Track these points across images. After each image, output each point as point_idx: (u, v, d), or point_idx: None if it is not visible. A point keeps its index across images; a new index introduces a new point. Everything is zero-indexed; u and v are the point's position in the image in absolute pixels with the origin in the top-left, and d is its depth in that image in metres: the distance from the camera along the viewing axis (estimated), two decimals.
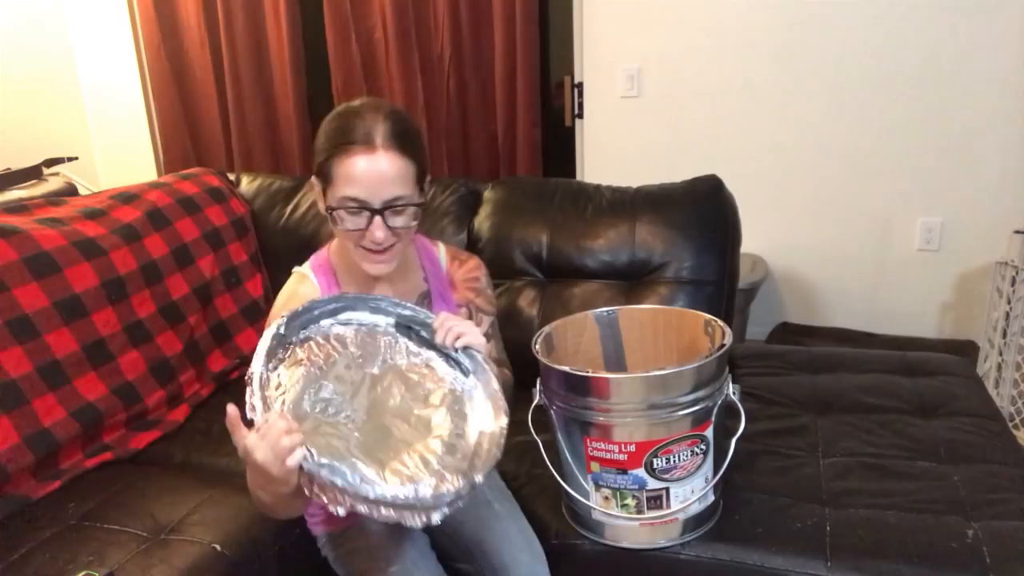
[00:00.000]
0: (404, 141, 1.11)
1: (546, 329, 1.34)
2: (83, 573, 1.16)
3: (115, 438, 1.59)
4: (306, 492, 0.92)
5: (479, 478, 1.00)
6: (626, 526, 1.25)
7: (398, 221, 1.13)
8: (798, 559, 1.19)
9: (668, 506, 1.21)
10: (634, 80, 2.73)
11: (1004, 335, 2.20)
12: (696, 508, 1.24)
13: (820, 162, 2.62)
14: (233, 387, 1.87)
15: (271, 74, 3.13)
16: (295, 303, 1.12)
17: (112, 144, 3.41)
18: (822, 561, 1.18)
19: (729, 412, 1.23)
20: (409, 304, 1.19)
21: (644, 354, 1.42)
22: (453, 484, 0.99)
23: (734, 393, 1.22)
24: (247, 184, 2.18)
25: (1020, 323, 2.15)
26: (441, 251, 1.36)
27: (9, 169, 2.70)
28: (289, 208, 2.10)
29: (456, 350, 1.15)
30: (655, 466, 1.18)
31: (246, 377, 0.96)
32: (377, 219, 1.11)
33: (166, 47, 3.17)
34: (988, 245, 2.45)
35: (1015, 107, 2.37)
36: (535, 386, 1.28)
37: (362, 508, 0.92)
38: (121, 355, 1.63)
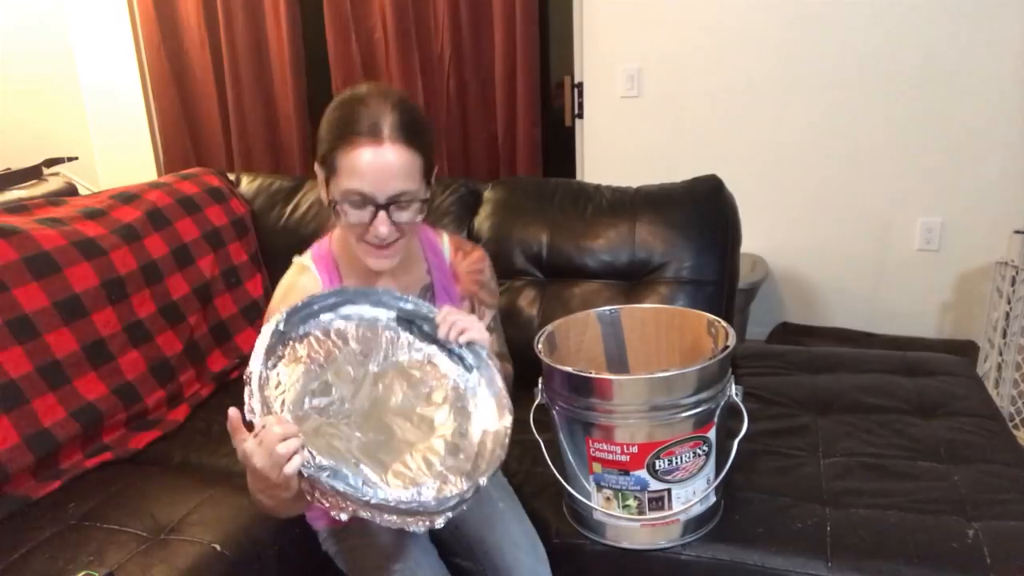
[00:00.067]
0: (412, 133, 1.07)
1: (548, 328, 1.34)
2: (83, 573, 1.16)
3: (115, 438, 1.59)
4: (308, 498, 0.91)
5: (483, 480, 0.99)
6: (627, 527, 1.25)
7: (403, 216, 1.10)
8: (798, 559, 1.19)
9: (670, 507, 1.21)
10: (634, 80, 2.73)
11: (1004, 335, 2.20)
12: (698, 509, 1.23)
13: (820, 162, 2.62)
14: (233, 387, 1.86)
15: (271, 74, 3.12)
16: (294, 295, 1.10)
17: (112, 144, 3.41)
18: (822, 561, 1.18)
19: (731, 413, 1.23)
20: (411, 298, 1.16)
21: (646, 354, 1.42)
22: (456, 487, 0.98)
23: (737, 394, 1.22)
24: (247, 184, 2.18)
25: (1020, 323, 2.15)
26: (445, 242, 1.33)
27: (9, 169, 2.70)
28: (289, 208, 2.10)
29: (459, 345, 1.13)
30: (657, 467, 1.18)
31: (245, 376, 0.94)
32: (381, 214, 1.07)
33: (166, 47, 3.17)
34: (988, 245, 2.45)
35: (1015, 107, 2.38)
36: (536, 385, 1.28)
37: (365, 514, 0.91)
38: (121, 355, 1.63)
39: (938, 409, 1.56)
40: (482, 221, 1.90)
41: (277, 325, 1.01)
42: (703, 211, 1.78)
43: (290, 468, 0.87)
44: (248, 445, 0.89)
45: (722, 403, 1.20)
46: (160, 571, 1.18)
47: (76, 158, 3.00)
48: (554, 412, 1.24)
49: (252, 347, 0.97)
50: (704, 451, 1.20)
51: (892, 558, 1.16)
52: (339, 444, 0.97)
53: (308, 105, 3.10)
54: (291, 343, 1.04)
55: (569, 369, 1.18)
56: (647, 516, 1.22)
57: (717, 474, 1.23)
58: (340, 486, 0.89)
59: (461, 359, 1.14)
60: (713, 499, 1.26)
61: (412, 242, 1.26)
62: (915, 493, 1.30)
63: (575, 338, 1.40)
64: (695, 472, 1.20)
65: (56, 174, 2.85)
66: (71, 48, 3.30)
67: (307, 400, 1.00)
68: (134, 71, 3.28)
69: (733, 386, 1.22)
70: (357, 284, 1.20)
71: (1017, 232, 2.22)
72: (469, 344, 1.13)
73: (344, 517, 0.91)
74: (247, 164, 3.21)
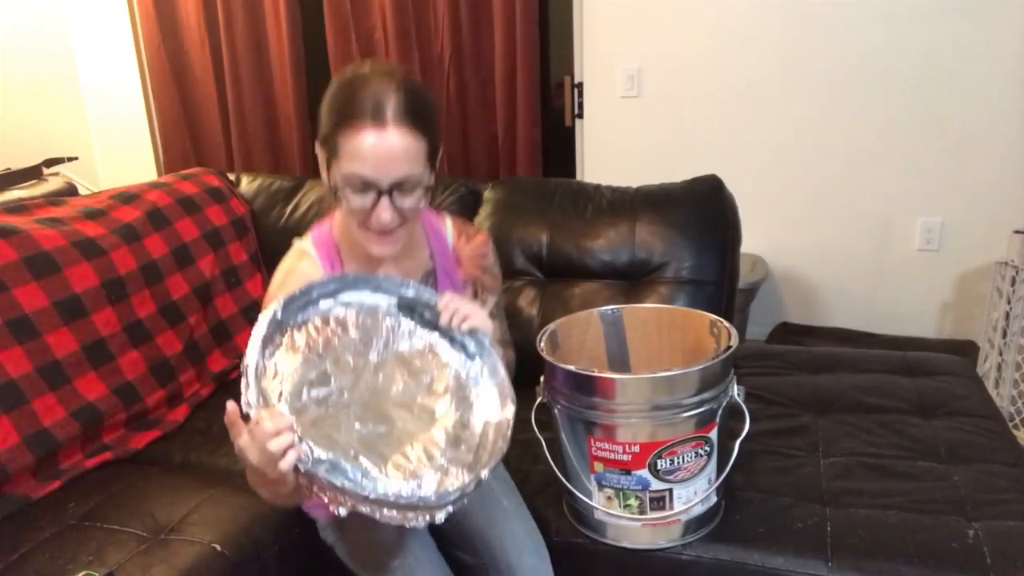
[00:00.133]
0: (416, 115, 1.02)
1: (550, 327, 1.33)
2: (83, 573, 1.16)
3: (115, 438, 1.59)
4: (306, 492, 0.90)
5: (485, 473, 0.97)
6: (628, 526, 1.24)
7: (407, 202, 1.06)
8: (799, 559, 1.19)
9: (671, 507, 1.21)
10: (634, 80, 2.73)
11: (1004, 335, 2.20)
12: (699, 510, 1.23)
13: (820, 162, 2.62)
14: (233, 387, 1.85)
15: (271, 74, 3.12)
16: (293, 281, 1.08)
17: (112, 144, 3.41)
18: (823, 561, 1.18)
19: (733, 413, 1.23)
20: (413, 284, 1.13)
21: (648, 353, 1.42)
22: (457, 480, 0.96)
23: (739, 395, 1.22)
24: (247, 184, 2.18)
25: (1020, 323, 2.15)
26: (448, 226, 1.29)
27: (9, 169, 2.70)
28: (289, 208, 2.10)
29: (462, 333, 1.11)
30: (659, 467, 1.18)
31: (241, 367, 0.91)
32: (384, 200, 1.03)
33: (166, 47, 3.17)
34: (988, 245, 2.45)
35: (1015, 107, 2.38)
36: (537, 384, 1.28)
37: (364, 509, 0.89)
38: (121, 355, 1.63)
39: (938, 409, 1.56)
40: (482, 221, 1.90)
41: (274, 314, 0.98)
42: (703, 211, 1.78)
43: (285, 464, 0.84)
44: (242, 441, 0.87)
45: (724, 403, 1.20)
46: (160, 571, 1.18)
47: (76, 158, 3.00)
48: (556, 411, 1.24)
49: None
50: (706, 451, 1.20)
51: (892, 558, 1.16)
52: (338, 436, 0.95)
53: (308, 105, 3.10)
54: (289, 331, 1.00)
55: (572, 368, 1.17)
56: (648, 516, 1.22)
57: (718, 474, 1.23)
58: (338, 481, 0.87)
59: (463, 347, 1.12)
60: (714, 499, 1.26)
61: (415, 226, 1.23)
62: (915, 493, 1.30)
63: (577, 337, 1.40)
64: (697, 472, 1.20)
65: (56, 174, 2.85)
66: (71, 48, 3.30)
67: (305, 391, 0.97)
68: (134, 71, 3.28)
69: (735, 386, 1.22)
70: (358, 269, 1.17)
71: (1017, 232, 2.22)
72: (471, 332, 1.11)
73: (343, 512, 0.89)
74: (247, 164, 3.21)
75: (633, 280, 1.77)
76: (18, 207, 1.69)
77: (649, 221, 1.77)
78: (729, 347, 1.21)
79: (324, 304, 1.06)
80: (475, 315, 1.11)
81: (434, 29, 2.88)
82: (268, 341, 0.96)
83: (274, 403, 0.92)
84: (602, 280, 1.79)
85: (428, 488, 0.94)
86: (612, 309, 1.42)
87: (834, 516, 1.26)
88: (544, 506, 1.35)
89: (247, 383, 0.89)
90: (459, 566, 1.26)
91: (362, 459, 0.93)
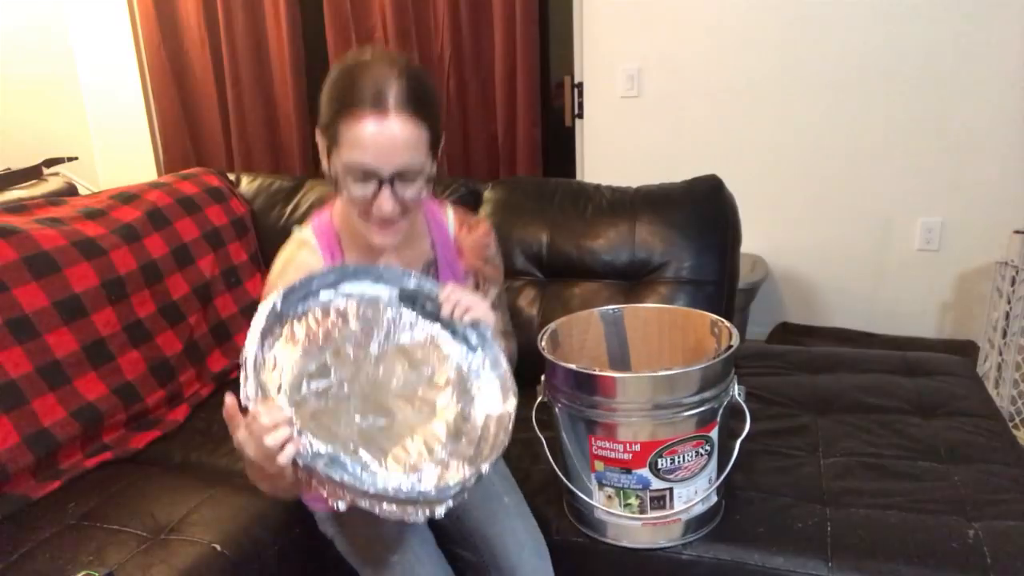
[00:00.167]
0: (419, 103, 1.01)
1: (551, 326, 1.34)
2: (83, 573, 1.16)
3: (115, 438, 1.59)
4: (305, 486, 0.89)
5: (486, 467, 0.96)
6: (628, 525, 1.25)
7: (408, 191, 1.04)
8: (799, 559, 1.19)
9: (671, 506, 1.21)
10: (634, 80, 2.73)
11: (1004, 335, 2.20)
12: (699, 509, 1.23)
13: (820, 162, 2.62)
14: (233, 387, 1.84)
15: (271, 74, 3.12)
16: (293, 270, 1.07)
17: (112, 144, 3.41)
18: (823, 561, 1.18)
19: (733, 413, 1.23)
20: (414, 274, 1.11)
21: (648, 353, 1.42)
22: (458, 474, 0.95)
23: (739, 394, 1.22)
24: (247, 184, 2.18)
25: (1020, 323, 2.15)
26: (449, 216, 1.28)
27: (9, 169, 2.70)
28: (289, 208, 2.10)
29: (463, 325, 1.10)
30: (659, 466, 1.18)
31: (240, 359, 0.91)
32: (385, 190, 1.02)
33: (166, 47, 3.17)
34: (988, 245, 2.45)
35: (1015, 107, 2.38)
36: (537, 383, 1.28)
37: (363, 503, 0.89)
38: (121, 355, 1.63)
39: (938, 409, 1.56)
40: None
41: (274, 305, 0.96)
42: (703, 211, 1.78)
43: (283, 459, 0.84)
44: (240, 435, 0.86)
45: (725, 403, 1.20)
46: (160, 571, 1.18)
47: (76, 158, 3.00)
48: (556, 410, 1.24)
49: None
50: (706, 451, 1.20)
51: (892, 558, 1.16)
52: (338, 429, 0.94)
53: (308, 105, 3.10)
54: (289, 322, 0.99)
55: (573, 366, 1.17)
56: (648, 515, 1.22)
57: (719, 474, 1.23)
58: (337, 475, 0.86)
59: (465, 339, 1.11)
60: (715, 499, 1.26)
61: (416, 216, 1.21)
62: (915, 493, 1.30)
63: (578, 336, 1.40)
64: (697, 471, 1.20)
65: (56, 174, 2.85)
66: (71, 48, 3.30)
67: (305, 383, 0.95)
68: (134, 71, 3.28)
69: (736, 386, 1.22)
70: (359, 259, 1.16)
71: (1017, 232, 2.22)
72: (473, 324, 1.10)
73: (342, 506, 0.88)
74: (247, 164, 3.21)
75: (633, 280, 1.77)
76: (18, 207, 1.69)
77: (649, 221, 1.78)
78: (730, 347, 1.21)
79: (324, 295, 1.05)
80: (477, 307, 1.10)
81: (434, 29, 2.88)
82: (267, 333, 0.95)
83: (273, 396, 0.91)
84: (602, 280, 1.79)
85: (428, 482, 0.93)
86: (613, 309, 1.42)
87: (834, 516, 1.26)
88: (544, 505, 1.35)
89: (246, 376, 0.89)
90: (459, 563, 1.26)
91: (362, 452, 0.92)
